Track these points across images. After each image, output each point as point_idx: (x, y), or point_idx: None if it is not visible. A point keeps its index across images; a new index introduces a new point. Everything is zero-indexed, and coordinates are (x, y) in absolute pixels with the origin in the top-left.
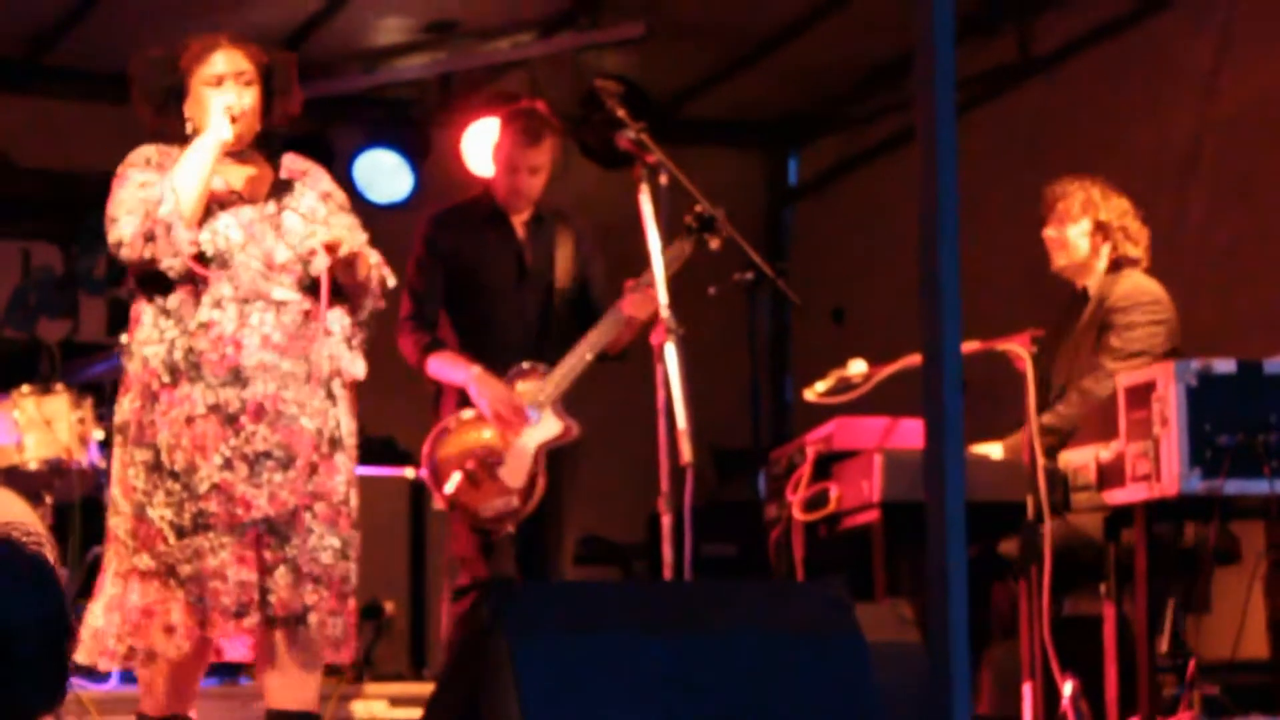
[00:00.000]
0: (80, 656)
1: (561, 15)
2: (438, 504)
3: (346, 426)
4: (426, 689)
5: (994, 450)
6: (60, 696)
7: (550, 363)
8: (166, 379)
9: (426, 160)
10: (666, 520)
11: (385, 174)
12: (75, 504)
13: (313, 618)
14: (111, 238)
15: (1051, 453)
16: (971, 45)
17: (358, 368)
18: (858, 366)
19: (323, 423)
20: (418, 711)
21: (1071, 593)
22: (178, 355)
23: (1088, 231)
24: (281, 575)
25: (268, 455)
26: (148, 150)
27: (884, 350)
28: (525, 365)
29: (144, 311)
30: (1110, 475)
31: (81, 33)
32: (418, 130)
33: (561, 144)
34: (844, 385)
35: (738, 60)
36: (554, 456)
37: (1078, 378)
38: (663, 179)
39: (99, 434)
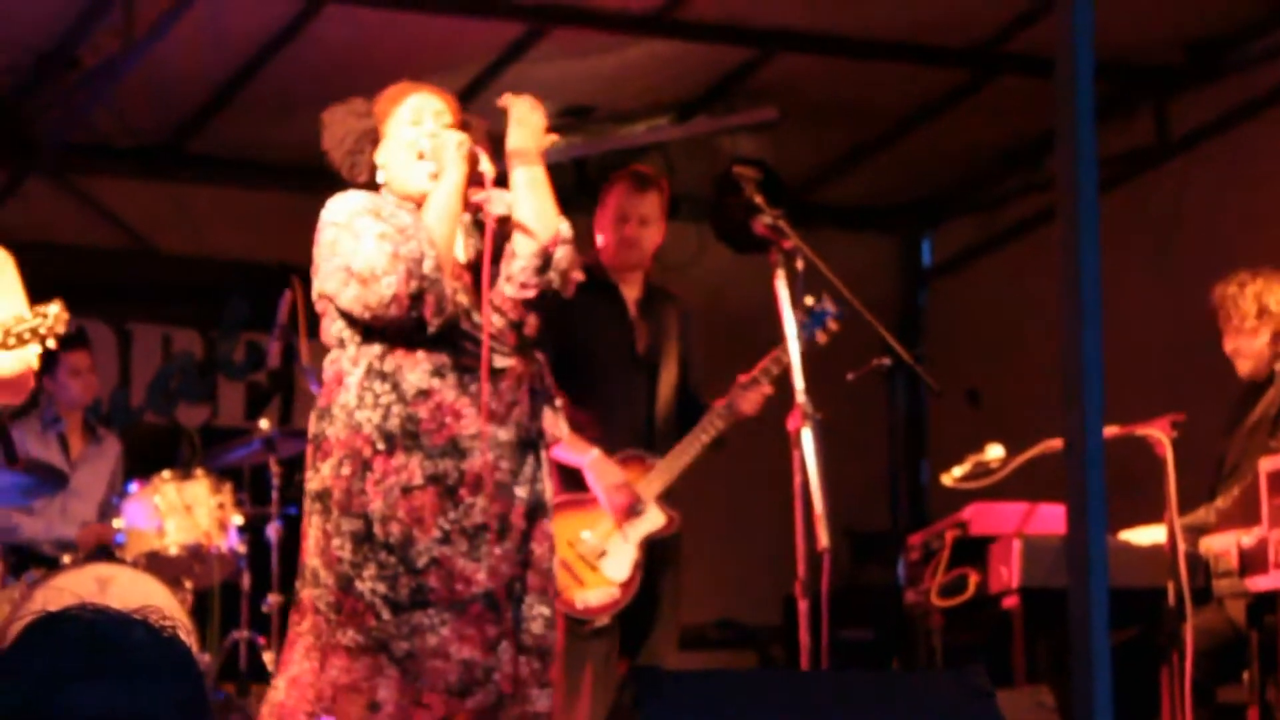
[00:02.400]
0: None
1: (697, 100)
2: None
3: (549, 491)
4: None
5: (1140, 535)
6: None
7: (653, 449)
8: (381, 446)
9: None
10: (804, 605)
11: None
12: (215, 589)
13: (530, 692)
14: (369, 298)
15: (1193, 538)
16: (1108, 127)
17: (561, 429)
18: (995, 451)
19: (530, 489)
20: None
21: (1225, 682)
22: (393, 422)
23: (1269, 340)
24: (504, 650)
25: (485, 527)
26: (363, 199)
27: (1020, 432)
28: (632, 453)
29: (349, 373)
30: (1253, 561)
31: (219, 121)
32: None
33: (666, 203)
34: (981, 470)
35: (870, 143)
36: (652, 541)
37: (1250, 461)
38: (799, 264)
39: (238, 519)
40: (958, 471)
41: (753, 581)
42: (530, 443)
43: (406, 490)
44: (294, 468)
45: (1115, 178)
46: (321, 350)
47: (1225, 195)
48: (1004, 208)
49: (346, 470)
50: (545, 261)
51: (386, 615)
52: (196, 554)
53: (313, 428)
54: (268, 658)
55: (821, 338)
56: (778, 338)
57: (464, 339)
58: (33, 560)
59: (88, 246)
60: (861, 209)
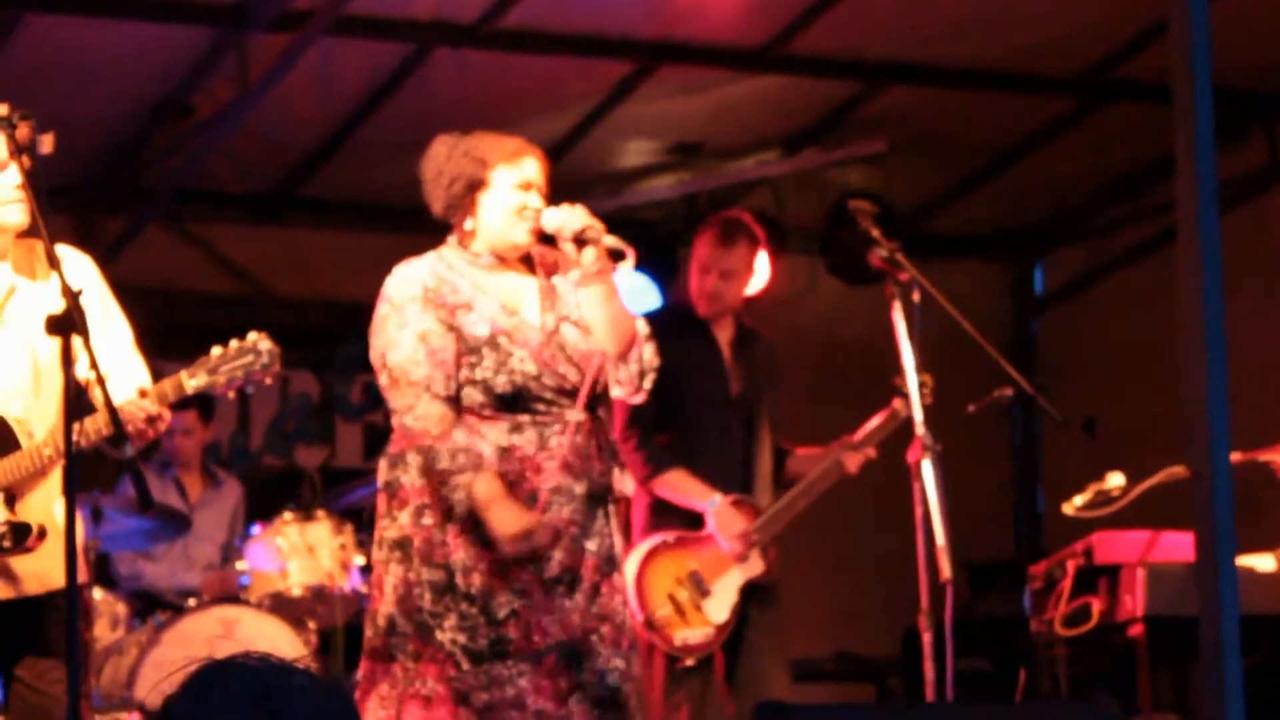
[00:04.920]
0: None
1: (805, 133)
2: (633, 621)
3: (618, 545)
4: None
5: (1262, 561)
6: None
7: (750, 491)
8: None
9: (674, 280)
10: (927, 637)
11: (632, 294)
12: (338, 628)
13: None
14: (397, 400)
15: None
16: (1218, 151)
17: (626, 485)
18: (1116, 480)
19: (600, 543)
20: None
21: None
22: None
23: None
24: (576, 702)
25: (558, 580)
26: (424, 275)
27: (1135, 459)
28: (741, 498)
29: None
30: None
31: (331, 166)
32: (664, 251)
33: (760, 247)
34: (1102, 499)
35: (980, 173)
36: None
37: None
38: (915, 296)
39: (360, 559)
40: (1079, 500)
41: (869, 613)
42: (600, 497)
43: (488, 543)
44: None
45: (1226, 203)
46: None
47: None
48: (1115, 234)
49: (429, 520)
50: (639, 369)
51: (466, 666)
52: (319, 594)
53: (385, 474)
54: None
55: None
56: (889, 369)
57: (535, 400)
58: (157, 604)
59: (203, 292)
60: (972, 239)
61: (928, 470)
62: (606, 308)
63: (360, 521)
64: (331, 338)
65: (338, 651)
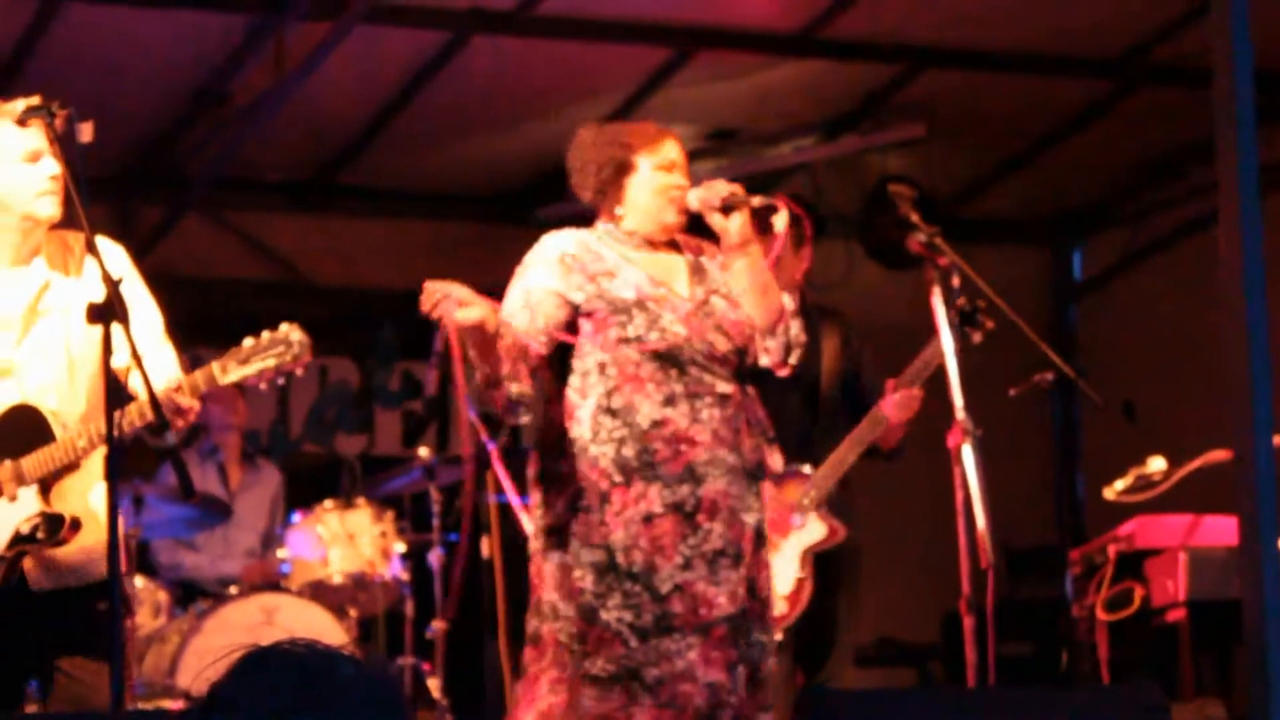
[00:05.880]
0: None
1: (843, 118)
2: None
3: (766, 522)
4: None
5: None
6: None
7: (814, 463)
8: (619, 479)
9: None
10: (969, 623)
11: None
12: (379, 616)
13: (760, 716)
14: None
15: None
16: (1257, 135)
17: (776, 461)
18: (1157, 464)
19: (755, 517)
20: None
21: None
22: (628, 452)
23: None
24: (740, 674)
25: (721, 553)
26: (564, 243)
27: (1175, 443)
28: (790, 468)
29: (579, 405)
30: None
31: (369, 153)
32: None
33: (801, 233)
34: (1144, 483)
35: (1018, 157)
36: (827, 559)
37: None
38: (955, 281)
39: (401, 547)
40: (1120, 485)
41: (911, 599)
42: (753, 473)
43: (648, 519)
44: (454, 495)
45: (1265, 186)
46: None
47: None
48: (1154, 218)
49: (585, 503)
50: (786, 341)
51: (634, 643)
52: (360, 582)
53: (539, 462)
54: (433, 684)
55: (977, 337)
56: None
57: (688, 363)
58: (198, 593)
59: (242, 280)
60: (1011, 223)
61: (968, 455)
62: (754, 278)
63: (401, 509)
64: (370, 325)
65: (379, 638)
